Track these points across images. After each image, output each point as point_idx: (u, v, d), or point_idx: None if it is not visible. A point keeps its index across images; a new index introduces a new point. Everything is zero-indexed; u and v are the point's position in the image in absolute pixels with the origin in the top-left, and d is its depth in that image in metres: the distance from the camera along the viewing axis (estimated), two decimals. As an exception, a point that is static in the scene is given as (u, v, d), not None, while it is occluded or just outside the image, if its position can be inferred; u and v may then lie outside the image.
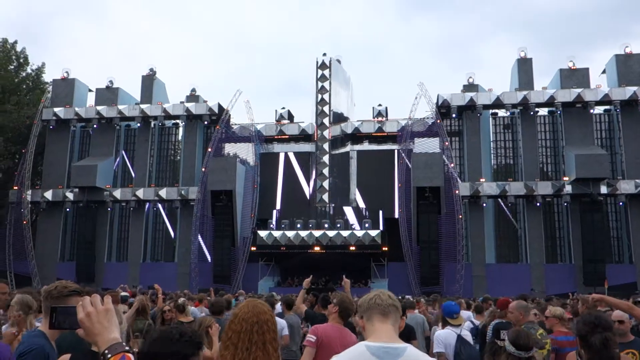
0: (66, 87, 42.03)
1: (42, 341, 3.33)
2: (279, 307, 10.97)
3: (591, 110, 36.86)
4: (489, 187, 36.83)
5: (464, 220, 36.03)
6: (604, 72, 38.98)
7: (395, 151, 38.76)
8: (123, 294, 10.98)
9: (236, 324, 3.00)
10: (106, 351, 1.88)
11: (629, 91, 35.71)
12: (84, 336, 1.98)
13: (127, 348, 1.89)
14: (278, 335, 3.15)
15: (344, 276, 8.79)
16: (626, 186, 35.04)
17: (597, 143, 37.13)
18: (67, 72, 42.23)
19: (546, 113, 38.47)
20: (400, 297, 16.94)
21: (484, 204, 36.80)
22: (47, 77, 46.56)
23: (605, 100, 36.36)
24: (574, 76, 37.33)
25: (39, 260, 38.49)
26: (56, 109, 40.72)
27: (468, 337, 6.49)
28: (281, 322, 7.92)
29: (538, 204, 36.31)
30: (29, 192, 39.54)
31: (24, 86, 45.58)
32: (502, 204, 37.87)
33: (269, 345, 2.96)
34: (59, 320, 2.03)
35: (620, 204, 35.91)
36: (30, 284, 36.27)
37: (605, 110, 37.97)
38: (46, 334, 3.39)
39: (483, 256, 36.72)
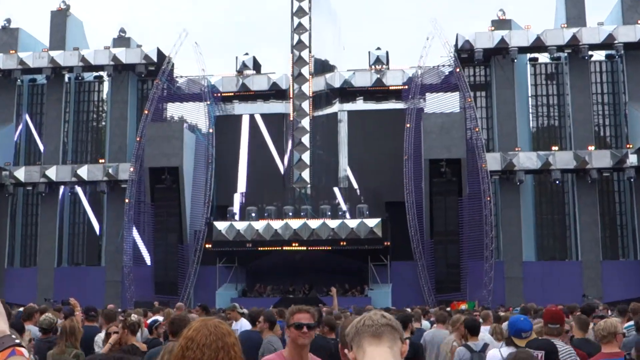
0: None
1: None
2: (242, 323, 10.18)
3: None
4: (526, 159, 32.93)
5: (493, 203, 32.36)
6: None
7: (401, 111, 34.56)
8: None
9: (195, 351, 2.47)
10: None
11: None
12: None
13: (17, 341, 1.93)
14: None
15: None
16: None
17: (672, 97, 34.08)
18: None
19: (603, 58, 35.01)
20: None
21: (521, 182, 32.82)
22: None
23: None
24: (640, 7, 34.13)
25: None
26: None
27: None
28: None
29: (592, 181, 32.36)
30: None
31: None
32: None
33: None
34: None
35: None
36: None
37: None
38: None
39: (519, 252, 33.19)
